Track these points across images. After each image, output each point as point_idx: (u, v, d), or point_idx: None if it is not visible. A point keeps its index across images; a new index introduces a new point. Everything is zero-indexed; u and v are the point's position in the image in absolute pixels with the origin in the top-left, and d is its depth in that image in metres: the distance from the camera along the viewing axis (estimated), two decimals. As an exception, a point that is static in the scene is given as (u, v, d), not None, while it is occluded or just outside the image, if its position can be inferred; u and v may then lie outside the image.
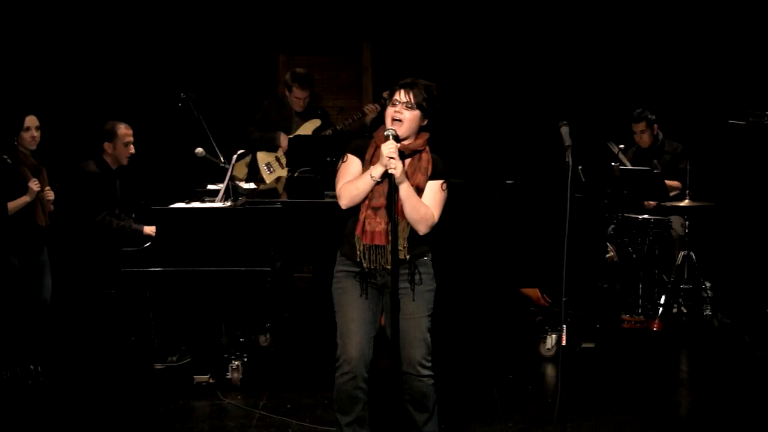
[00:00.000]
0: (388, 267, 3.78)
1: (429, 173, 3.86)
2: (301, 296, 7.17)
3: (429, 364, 3.88)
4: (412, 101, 3.80)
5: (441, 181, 3.88)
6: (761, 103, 6.55)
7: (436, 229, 3.88)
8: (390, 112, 3.83)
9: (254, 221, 5.21)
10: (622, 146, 6.92)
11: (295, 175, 6.16)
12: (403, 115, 3.80)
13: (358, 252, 3.82)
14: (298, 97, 6.80)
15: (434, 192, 3.86)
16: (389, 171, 3.69)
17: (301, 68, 6.95)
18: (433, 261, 3.96)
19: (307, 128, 6.79)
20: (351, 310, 3.86)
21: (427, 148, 3.90)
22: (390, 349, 3.85)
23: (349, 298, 3.87)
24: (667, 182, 6.65)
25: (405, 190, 3.75)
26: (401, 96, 3.82)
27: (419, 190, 3.84)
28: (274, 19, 7.95)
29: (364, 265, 3.83)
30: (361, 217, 3.83)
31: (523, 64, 7.83)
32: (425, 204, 3.83)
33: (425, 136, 3.90)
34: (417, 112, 3.82)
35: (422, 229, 3.82)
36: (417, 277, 3.87)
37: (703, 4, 7.68)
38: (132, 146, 5.84)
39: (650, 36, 7.80)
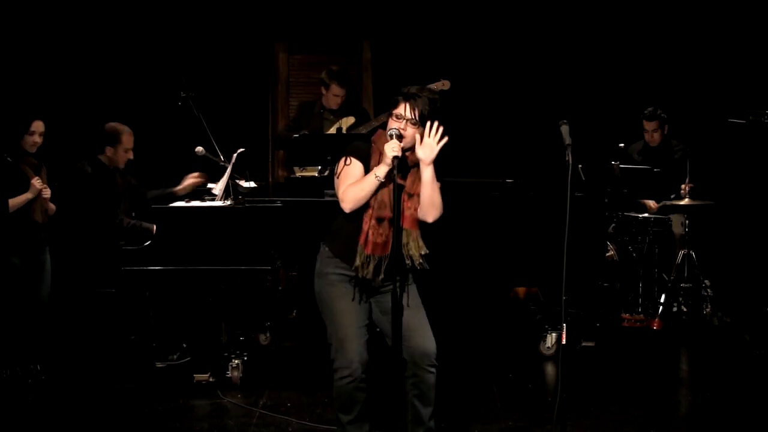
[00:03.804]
0: (383, 276, 3.82)
1: None
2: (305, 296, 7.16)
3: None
4: (417, 117, 3.78)
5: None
6: (761, 101, 6.55)
7: (436, 227, 3.90)
8: (394, 126, 3.80)
9: (254, 220, 5.21)
10: (621, 145, 6.91)
11: (326, 174, 6.13)
12: (406, 131, 3.80)
13: (359, 261, 3.82)
14: (336, 95, 6.73)
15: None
16: (393, 153, 3.68)
17: (335, 65, 6.92)
18: (433, 259, 3.97)
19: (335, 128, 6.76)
20: (347, 315, 3.86)
21: None
22: (390, 349, 3.87)
23: (345, 303, 3.87)
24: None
25: (430, 174, 3.77)
26: (406, 112, 3.79)
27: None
28: (274, 18, 7.94)
29: (363, 274, 3.82)
30: (365, 227, 3.83)
31: (524, 63, 7.83)
32: None
33: None
34: (419, 130, 3.81)
35: (433, 217, 3.85)
36: (410, 279, 3.93)
37: (703, 3, 7.67)
38: (131, 152, 5.85)
39: (650, 35, 7.79)
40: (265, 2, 7.89)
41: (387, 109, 3.91)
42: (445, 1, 7.86)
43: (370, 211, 3.82)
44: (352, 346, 3.83)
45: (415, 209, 3.86)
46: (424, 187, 3.81)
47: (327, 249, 3.94)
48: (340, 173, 3.90)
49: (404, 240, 3.83)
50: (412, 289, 3.94)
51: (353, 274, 3.85)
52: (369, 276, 3.82)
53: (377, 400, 4.05)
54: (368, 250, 3.81)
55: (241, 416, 4.87)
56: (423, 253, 3.87)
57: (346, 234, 3.87)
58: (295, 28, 8.01)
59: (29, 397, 5.19)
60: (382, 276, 3.84)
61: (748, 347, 6.23)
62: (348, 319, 3.86)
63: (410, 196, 3.85)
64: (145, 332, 5.73)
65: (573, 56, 7.82)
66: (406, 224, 3.83)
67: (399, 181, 3.75)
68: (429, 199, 3.82)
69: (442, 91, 5.74)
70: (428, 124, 3.77)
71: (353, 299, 3.87)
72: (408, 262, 3.84)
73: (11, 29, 7.26)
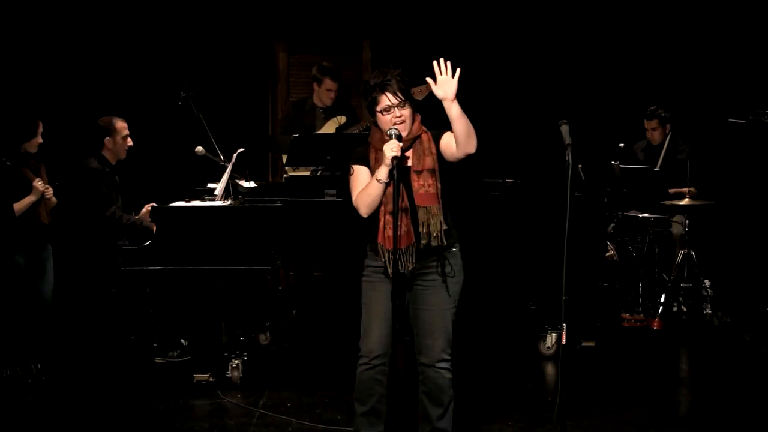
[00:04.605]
0: (417, 264, 3.80)
1: (434, 150, 3.85)
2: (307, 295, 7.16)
3: (448, 357, 3.89)
4: (402, 97, 3.78)
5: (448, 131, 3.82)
6: (761, 101, 6.55)
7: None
8: (388, 119, 3.79)
9: (254, 220, 5.21)
10: (621, 145, 6.91)
11: (318, 174, 6.13)
12: (401, 117, 3.79)
13: (384, 259, 3.80)
14: (329, 89, 6.66)
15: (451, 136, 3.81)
16: (392, 153, 3.66)
17: (327, 62, 6.88)
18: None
19: (330, 126, 6.71)
20: (376, 305, 3.86)
21: (423, 128, 3.88)
22: (410, 340, 3.92)
23: (376, 294, 3.87)
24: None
25: (457, 110, 3.69)
26: (391, 99, 3.78)
27: (432, 171, 3.82)
28: (274, 18, 7.94)
29: (401, 267, 3.78)
30: (381, 224, 3.81)
31: (524, 63, 7.82)
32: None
33: (418, 118, 3.88)
34: (409, 107, 3.81)
35: (474, 146, 3.77)
36: (449, 269, 3.87)
37: (703, 2, 7.67)
38: (129, 139, 5.86)
39: (650, 34, 7.79)
40: (265, 2, 7.89)
41: (370, 111, 3.87)
42: (445, 1, 7.86)
43: (382, 207, 3.81)
44: (374, 335, 3.85)
45: (429, 185, 3.82)
46: (456, 123, 3.70)
47: (368, 245, 3.92)
48: (351, 184, 3.92)
49: (423, 218, 3.78)
50: (452, 283, 3.87)
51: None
52: (409, 267, 3.80)
53: (394, 402, 4.02)
54: (389, 246, 3.76)
55: (241, 416, 4.87)
56: (443, 228, 3.79)
57: (371, 231, 3.89)
58: (295, 28, 8.01)
59: (29, 397, 5.19)
60: (415, 264, 3.80)
61: (748, 347, 6.23)
62: (374, 309, 3.86)
63: (419, 173, 3.82)
64: (145, 332, 5.73)
65: (573, 56, 7.81)
66: (422, 202, 3.79)
67: (405, 163, 3.76)
68: (465, 134, 3.73)
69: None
70: (434, 63, 3.72)
71: (385, 291, 3.82)
72: (424, 241, 3.78)
73: (9, 30, 7.26)
